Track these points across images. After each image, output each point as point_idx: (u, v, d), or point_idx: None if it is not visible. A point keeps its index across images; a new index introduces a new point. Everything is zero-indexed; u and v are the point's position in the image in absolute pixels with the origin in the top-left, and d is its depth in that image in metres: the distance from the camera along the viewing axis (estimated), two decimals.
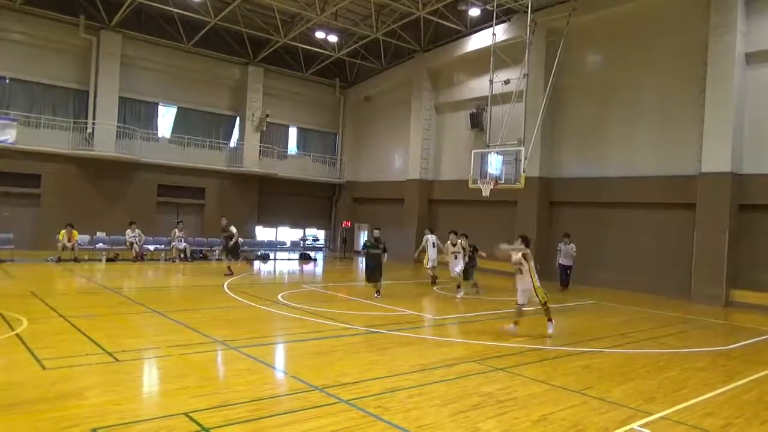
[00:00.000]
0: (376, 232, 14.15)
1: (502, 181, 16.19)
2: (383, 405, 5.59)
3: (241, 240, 18.02)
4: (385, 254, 13.87)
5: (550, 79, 17.78)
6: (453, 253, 14.43)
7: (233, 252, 17.08)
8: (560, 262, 16.71)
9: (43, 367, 6.32)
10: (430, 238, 17.00)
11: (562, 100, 19.43)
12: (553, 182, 20.00)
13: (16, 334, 7.77)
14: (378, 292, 13.49)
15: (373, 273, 13.59)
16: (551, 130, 19.53)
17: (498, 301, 14.07)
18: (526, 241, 9.89)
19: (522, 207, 20.35)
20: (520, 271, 9.65)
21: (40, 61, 21.44)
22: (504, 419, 5.37)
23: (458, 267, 14.29)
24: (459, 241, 14.44)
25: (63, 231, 18.27)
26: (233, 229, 16.79)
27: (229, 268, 16.78)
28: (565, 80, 18.89)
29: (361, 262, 17.37)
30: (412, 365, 7.25)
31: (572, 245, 16.50)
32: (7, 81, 21.09)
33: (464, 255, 14.44)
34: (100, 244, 19.64)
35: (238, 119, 26.82)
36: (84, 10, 21.85)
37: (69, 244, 18.22)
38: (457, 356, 7.89)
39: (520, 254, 9.64)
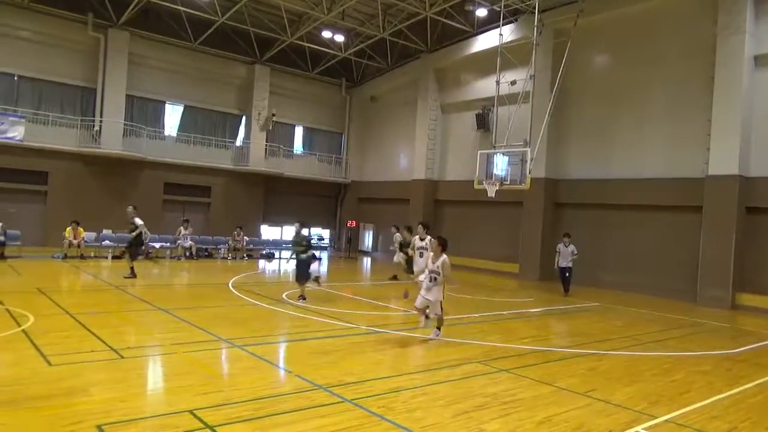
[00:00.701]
0: (296, 226, 11.93)
1: (508, 182, 16.14)
2: (387, 405, 5.58)
3: (149, 235, 15.59)
4: (311, 251, 12.09)
5: (557, 80, 17.70)
6: (419, 249, 11.67)
7: (133, 249, 14.61)
8: (560, 264, 15.79)
9: (49, 364, 6.35)
10: (399, 236, 16.77)
11: (569, 101, 19.36)
12: (559, 183, 19.93)
13: (23, 330, 7.81)
14: (302, 297, 11.84)
15: (300, 274, 12.09)
16: (558, 131, 19.48)
17: (502, 302, 14.04)
18: (443, 244, 8.64)
19: (528, 208, 20.31)
20: (435, 280, 8.55)
21: (48, 59, 21.55)
22: (508, 420, 5.35)
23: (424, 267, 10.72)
24: (428, 237, 11.78)
25: (69, 228, 18.34)
26: (138, 221, 14.44)
27: (132, 269, 14.13)
28: (572, 81, 18.83)
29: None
30: (416, 365, 7.25)
31: (572, 246, 15.67)
32: (15, 78, 21.20)
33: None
34: (106, 242, 19.72)
35: (244, 118, 26.86)
36: (92, 8, 21.96)
37: (75, 241, 18.29)
38: (461, 357, 7.87)
39: (442, 259, 8.47)
